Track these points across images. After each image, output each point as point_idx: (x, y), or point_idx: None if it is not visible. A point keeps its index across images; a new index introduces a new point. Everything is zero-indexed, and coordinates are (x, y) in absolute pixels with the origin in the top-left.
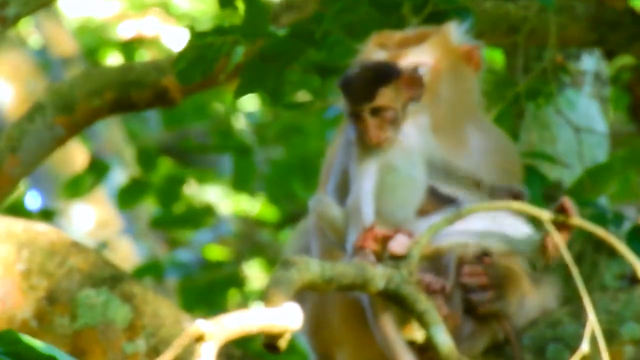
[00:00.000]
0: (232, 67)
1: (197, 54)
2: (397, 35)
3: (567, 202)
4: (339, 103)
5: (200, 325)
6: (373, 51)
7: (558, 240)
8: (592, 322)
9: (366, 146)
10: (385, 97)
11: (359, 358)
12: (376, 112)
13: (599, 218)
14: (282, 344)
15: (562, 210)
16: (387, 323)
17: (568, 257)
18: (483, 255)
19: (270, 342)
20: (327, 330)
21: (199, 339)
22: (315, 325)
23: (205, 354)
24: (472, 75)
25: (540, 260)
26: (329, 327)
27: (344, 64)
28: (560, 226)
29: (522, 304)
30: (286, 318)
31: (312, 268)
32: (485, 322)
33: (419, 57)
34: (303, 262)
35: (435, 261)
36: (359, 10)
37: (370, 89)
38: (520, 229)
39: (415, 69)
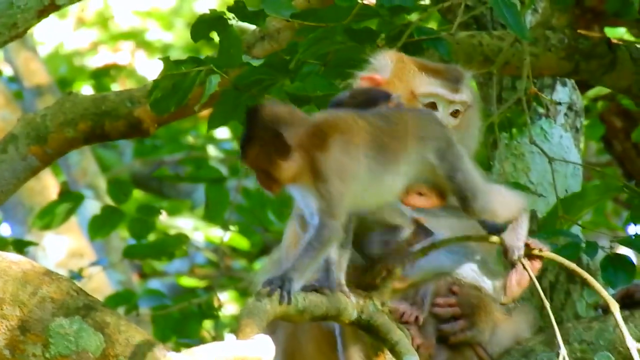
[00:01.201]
0: (207, 98)
1: (171, 83)
2: (436, 66)
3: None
4: None
5: (172, 356)
6: (426, 80)
7: (529, 270)
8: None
9: None
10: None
11: None
12: None
13: (573, 247)
14: None
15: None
16: (355, 355)
17: (539, 288)
18: (452, 285)
19: None
20: None
21: None
22: (289, 355)
23: None
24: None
25: (504, 298)
26: (302, 357)
27: (317, 94)
28: (531, 257)
29: (495, 332)
30: (258, 349)
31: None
32: (458, 351)
33: (467, 96)
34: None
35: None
36: (334, 40)
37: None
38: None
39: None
